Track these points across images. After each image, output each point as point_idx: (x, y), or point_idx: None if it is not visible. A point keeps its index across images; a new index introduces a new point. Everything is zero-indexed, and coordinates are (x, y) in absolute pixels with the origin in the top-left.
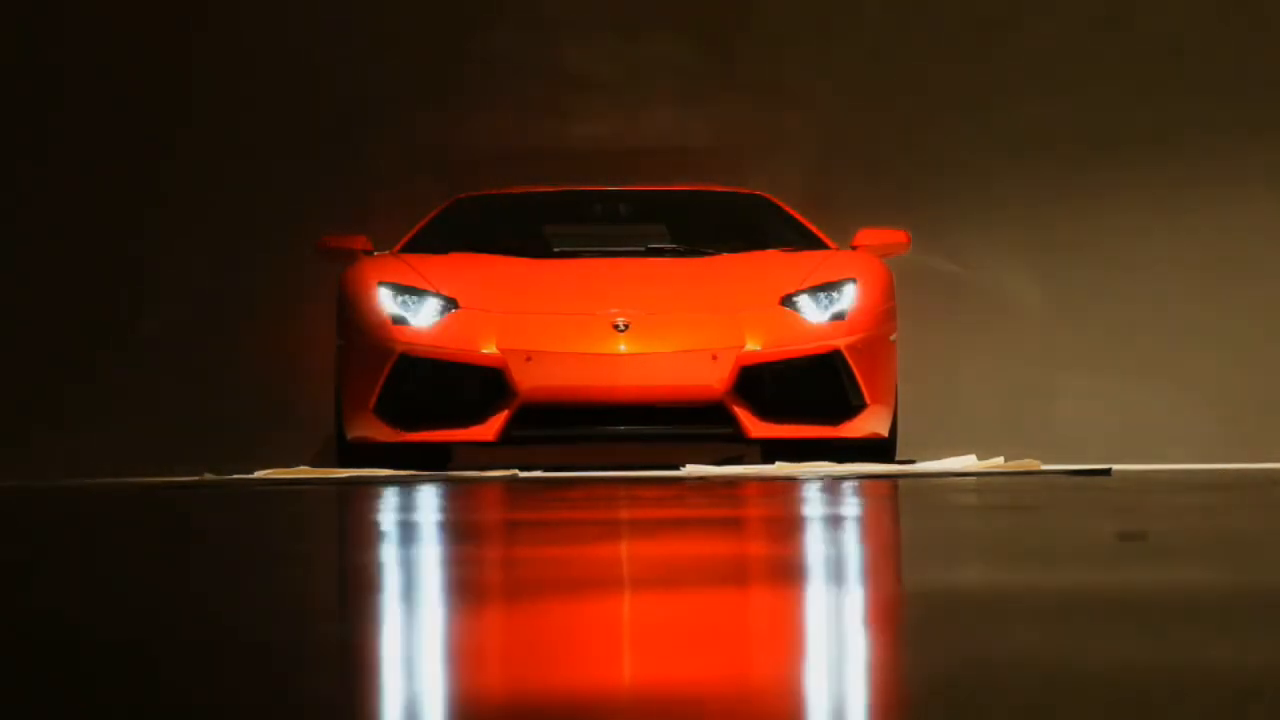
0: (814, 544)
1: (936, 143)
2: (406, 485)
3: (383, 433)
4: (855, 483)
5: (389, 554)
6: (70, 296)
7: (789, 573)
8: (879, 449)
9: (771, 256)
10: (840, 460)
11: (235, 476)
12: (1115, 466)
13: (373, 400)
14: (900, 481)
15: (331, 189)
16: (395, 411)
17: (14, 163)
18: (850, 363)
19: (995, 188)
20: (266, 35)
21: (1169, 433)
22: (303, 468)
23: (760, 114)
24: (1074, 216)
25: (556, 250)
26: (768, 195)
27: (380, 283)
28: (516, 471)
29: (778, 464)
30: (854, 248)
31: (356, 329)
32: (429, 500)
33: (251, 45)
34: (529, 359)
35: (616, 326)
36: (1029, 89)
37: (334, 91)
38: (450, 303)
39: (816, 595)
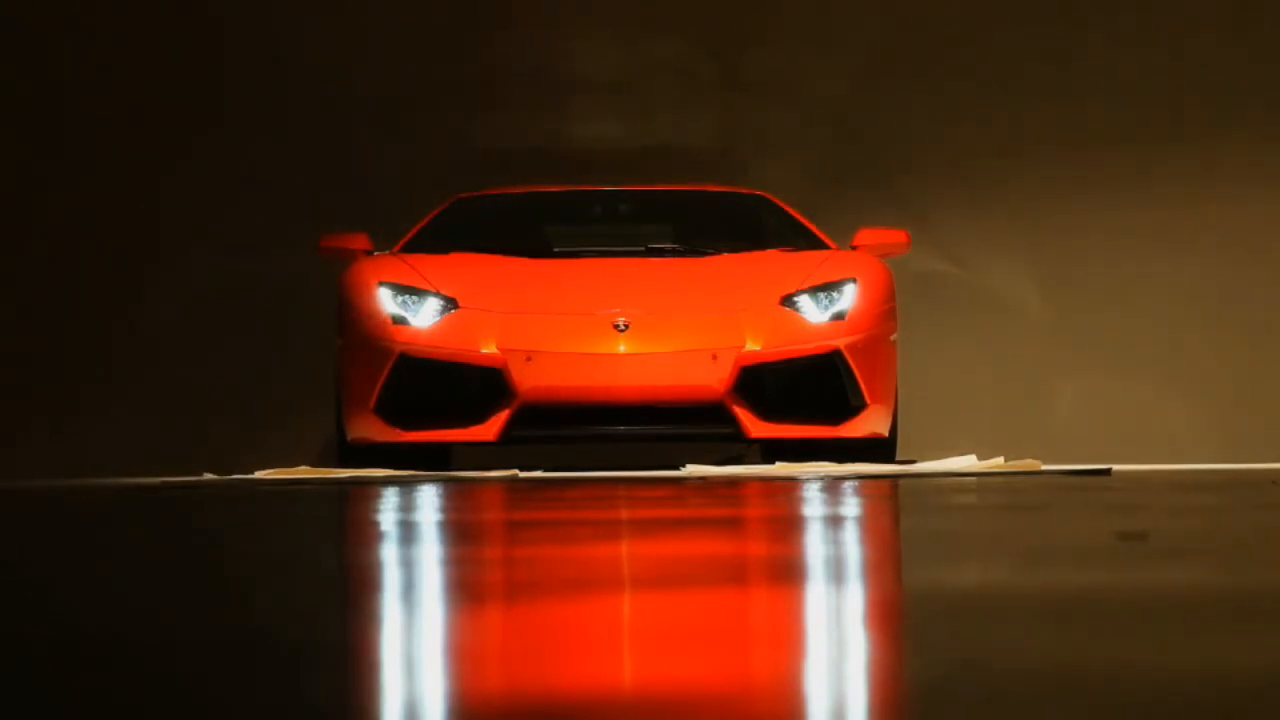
0: (814, 544)
1: (936, 143)
2: (406, 485)
3: (383, 433)
4: (855, 483)
5: (389, 554)
6: (70, 297)
7: (789, 573)
8: (879, 449)
9: (772, 256)
10: (840, 460)
11: (235, 476)
12: (1115, 466)
13: (373, 400)
14: (900, 481)
15: (331, 189)
16: (395, 411)
17: (15, 164)
18: (850, 363)
19: (995, 188)
20: (267, 36)
21: (1169, 433)
22: (303, 468)
23: (761, 114)
24: (1074, 217)
25: (557, 250)
26: (768, 195)
27: (380, 283)
28: (516, 471)
29: (778, 464)
30: (854, 248)
31: (356, 329)
32: (429, 500)
33: (252, 46)
34: (529, 359)
35: (616, 326)
36: (1029, 89)
37: (335, 91)
38: (450, 303)
39: (816, 595)
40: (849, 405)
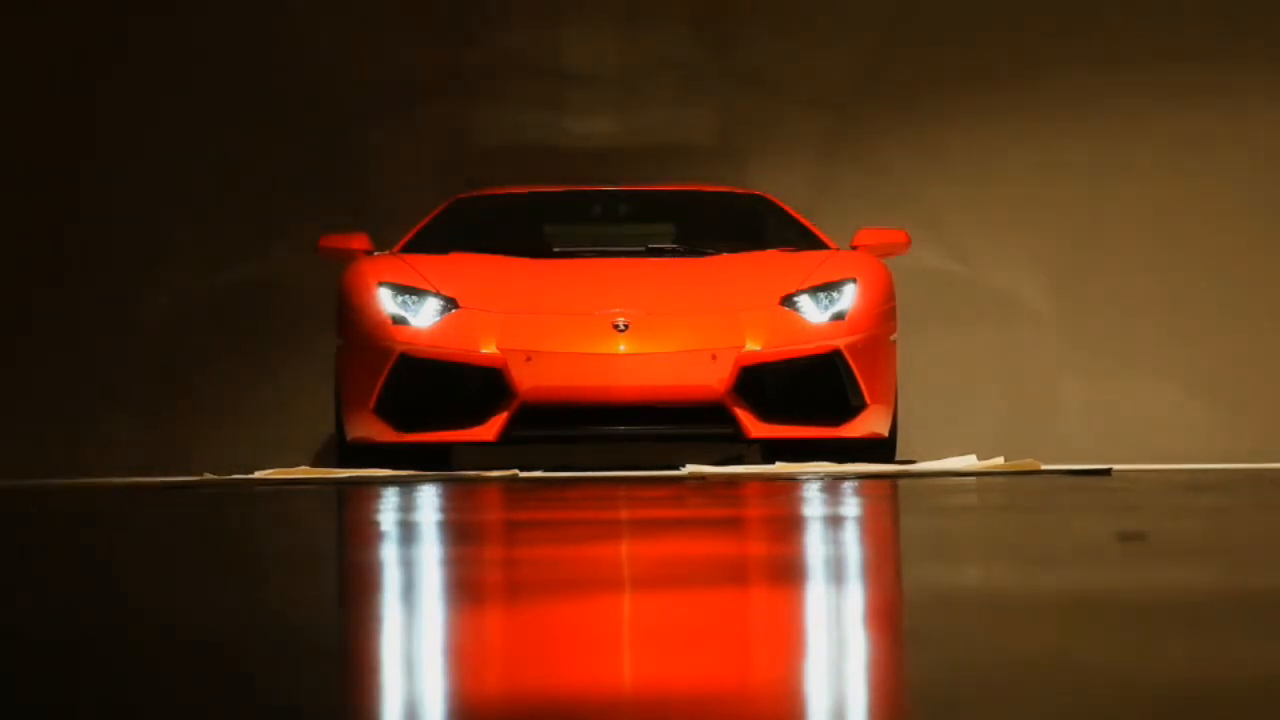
0: (814, 544)
1: (936, 142)
2: (406, 485)
3: (383, 433)
4: (855, 483)
5: (389, 554)
6: (69, 295)
7: (789, 573)
8: (879, 449)
9: (771, 256)
10: (840, 460)
11: (235, 476)
12: (1115, 466)
13: (373, 400)
14: (900, 481)
15: (331, 189)
16: (395, 411)
17: (10, 159)
18: (850, 363)
19: (995, 187)
20: (264, 33)
21: (1170, 433)
22: (303, 468)
23: (761, 113)
24: (1075, 216)
25: (556, 250)
26: (768, 195)
27: (380, 283)
28: (516, 471)
29: (778, 464)
30: (854, 248)
31: (356, 329)
32: (429, 500)
33: (250, 43)
34: (529, 359)
35: (616, 326)
36: (1032, 88)
37: (334, 90)
38: (450, 303)
39: (816, 595)
40: (849, 405)
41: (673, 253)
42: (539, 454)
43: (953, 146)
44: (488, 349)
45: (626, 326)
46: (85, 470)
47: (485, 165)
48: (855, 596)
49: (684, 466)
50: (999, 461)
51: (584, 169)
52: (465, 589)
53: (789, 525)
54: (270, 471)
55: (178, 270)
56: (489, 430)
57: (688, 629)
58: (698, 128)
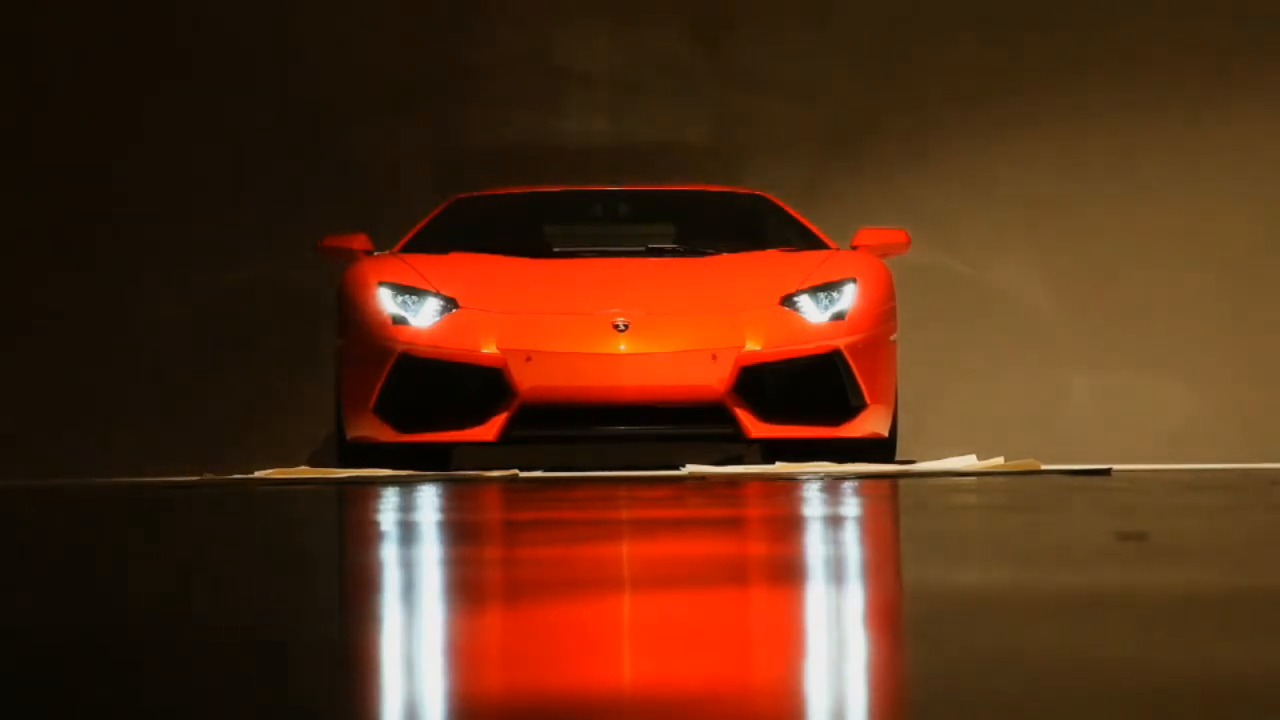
0: (814, 544)
1: (936, 141)
2: (406, 485)
3: (383, 433)
4: (855, 483)
5: (389, 554)
6: (69, 296)
7: (789, 573)
8: (879, 449)
9: (771, 256)
10: (840, 460)
11: (235, 476)
12: (1115, 466)
13: (373, 400)
14: (900, 481)
15: (331, 189)
16: (395, 411)
17: (12, 161)
18: (850, 363)
19: (996, 186)
20: (264, 34)
21: (1171, 433)
22: (303, 468)
23: (760, 112)
24: (1076, 216)
25: (556, 250)
26: (768, 195)
27: (380, 283)
28: (516, 471)
29: (778, 464)
30: (854, 248)
31: (356, 329)
32: (429, 500)
33: (249, 44)
34: (529, 359)
35: (616, 326)
36: (1030, 85)
37: (333, 91)
38: (450, 303)
39: (816, 595)
40: (849, 405)
41: (673, 253)
42: (539, 454)
43: (952, 145)
44: (488, 349)
45: (626, 326)
46: (85, 470)
47: (484, 165)
48: (855, 596)
49: (684, 466)
50: (999, 461)
51: (583, 169)
52: (465, 589)
53: (789, 525)
54: (270, 471)
55: (179, 270)
56: (489, 430)
57: (688, 629)
58: (695, 128)
